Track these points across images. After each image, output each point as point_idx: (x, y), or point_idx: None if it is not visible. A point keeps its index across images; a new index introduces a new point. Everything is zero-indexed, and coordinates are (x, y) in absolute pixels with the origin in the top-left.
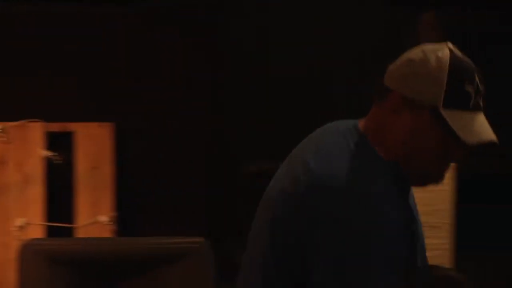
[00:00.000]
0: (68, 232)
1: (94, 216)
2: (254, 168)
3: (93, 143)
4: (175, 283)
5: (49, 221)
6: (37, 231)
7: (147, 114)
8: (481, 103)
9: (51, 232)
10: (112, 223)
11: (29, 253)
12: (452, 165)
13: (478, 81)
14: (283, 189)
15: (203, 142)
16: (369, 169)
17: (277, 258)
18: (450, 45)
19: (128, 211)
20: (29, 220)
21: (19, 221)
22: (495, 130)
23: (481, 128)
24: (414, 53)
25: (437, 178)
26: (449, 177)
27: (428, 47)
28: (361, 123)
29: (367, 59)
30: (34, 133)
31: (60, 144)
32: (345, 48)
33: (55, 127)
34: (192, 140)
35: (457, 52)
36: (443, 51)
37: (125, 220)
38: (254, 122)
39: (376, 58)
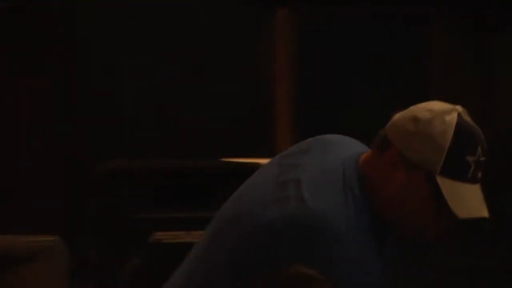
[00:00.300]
0: None
1: None
2: (108, 166)
3: None
4: (29, 280)
5: None
6: None
7: (0, 110)
8: (479, 175)
9: None
10: None
11: None
12: None
13: (480, 151)
14: (264, 209)
15: (58, 141)
16: (359, 217)
17: (236, 279)
18: (460, 108)
19: None
20: None
21: None
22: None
23: (475, 202)
24: (421, 110)
25: (430, 238)
26: None
27: (437, 106)
28: (362, 160)
29: (223, 55)
30: None
31: None
32: (200, 45)
33: None
34: (47, 139)
35: (466, 117)
36: (451, 115)
37: None
38: (110, 122)
39: (232, 54)
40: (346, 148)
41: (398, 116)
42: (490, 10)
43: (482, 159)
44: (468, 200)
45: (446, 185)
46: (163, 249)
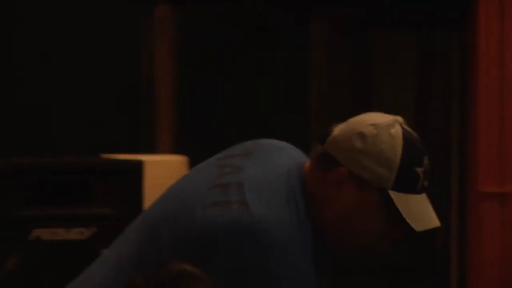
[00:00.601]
0: None
1: None
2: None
3: None
4: None
5: None
6: None
7: None
8: (426, 184)
9: None
10: None
11: None
12: None
13: (426, 161)
14: (204, 211)
15: None
16: (301, 230)
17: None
18: (400, 119)
19: None
20: None
21: None
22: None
23: (426, 213)
24: (365, 125)
25: (374, 253)
26: None
27: (379, 119)
28: (304, 172)
29: (101, 53)
30: None
31: None
32: (76, 42)
33: None
34: None
35: (407, 127)
36: (395, 127)
37: None
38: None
39: (110, 51)
40: (289, 156)
41: (338, 132)
42: (370, 8)
43: (428, 168)
44: (421, 212)
45: (400, 199)
46: (42, 247)
